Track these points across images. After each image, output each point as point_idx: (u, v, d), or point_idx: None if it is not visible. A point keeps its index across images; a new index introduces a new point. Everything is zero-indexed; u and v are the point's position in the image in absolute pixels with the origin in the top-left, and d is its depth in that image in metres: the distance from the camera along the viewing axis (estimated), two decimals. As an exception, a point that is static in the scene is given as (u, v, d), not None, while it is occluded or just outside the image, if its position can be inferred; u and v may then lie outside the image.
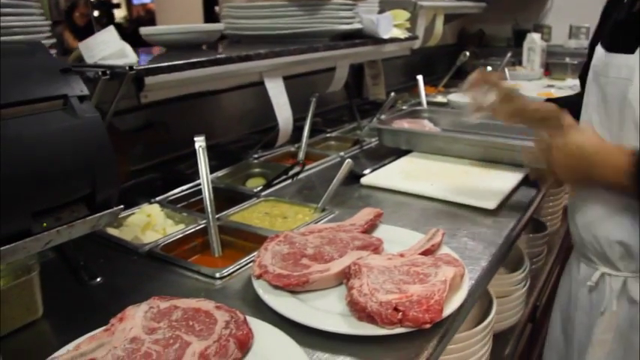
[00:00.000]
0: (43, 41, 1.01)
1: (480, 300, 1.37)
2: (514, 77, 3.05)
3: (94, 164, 0.85)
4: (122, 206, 0.93)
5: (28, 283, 0.91)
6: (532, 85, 2.86)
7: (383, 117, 1.94)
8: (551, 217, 2.19)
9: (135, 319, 0.81)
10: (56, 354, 0.76)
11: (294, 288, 0.91)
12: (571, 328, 1.32)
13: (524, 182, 1.47)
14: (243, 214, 1.32)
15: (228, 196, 1.45)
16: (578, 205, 1.25)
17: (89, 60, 1.18)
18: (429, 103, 2.31)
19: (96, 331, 0.81)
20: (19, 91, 0.79)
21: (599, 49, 1.19)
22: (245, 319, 0.80)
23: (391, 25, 2.05)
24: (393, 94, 2.06)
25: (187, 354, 0.74)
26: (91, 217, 0.88)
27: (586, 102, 1.22)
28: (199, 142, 1.27)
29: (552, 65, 3.29)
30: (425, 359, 0.80)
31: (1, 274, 0.89)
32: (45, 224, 0.83)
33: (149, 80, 1.25)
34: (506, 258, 1.17)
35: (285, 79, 1.70)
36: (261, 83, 1.64)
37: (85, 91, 0.87)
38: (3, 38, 0.94)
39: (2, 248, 0.77)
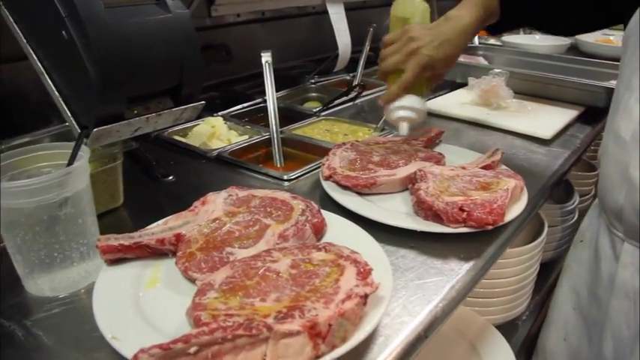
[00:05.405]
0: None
1: (532, 225, 1.41)
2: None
3: (182, 57, 0.90)
4: (204, 102, 0.98)
5: (112, 171, 0.97)
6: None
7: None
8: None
9: (216, 203, 0.87)
10: (149, 227, 0.82)
11: (362, 189, 0.96)
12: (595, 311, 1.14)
13: (579, 119, 1.48)
14: (304, 130, 1.36)
15: (287, 115, 1.48)
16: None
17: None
18: (482, 44, 2.29)
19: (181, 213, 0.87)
20: (120, -17, 0.84)
21: None
22: (319, 208, 0.85)
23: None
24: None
25: (267, 234, 0.79)
26: (176, 108, 0.93)
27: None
28: (266, 57, 1.31)
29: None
30: (484, 260, 0.84)
31: (90, 160, 0.96)
32: (135, 111, 0.89)
33: (220, -6, 1.29)
34: (559, 185, 1.20)
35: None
36: (320, 13, 1.67)
37: (176, -11, 0.91)
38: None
39: (99, 128, 0.83)
